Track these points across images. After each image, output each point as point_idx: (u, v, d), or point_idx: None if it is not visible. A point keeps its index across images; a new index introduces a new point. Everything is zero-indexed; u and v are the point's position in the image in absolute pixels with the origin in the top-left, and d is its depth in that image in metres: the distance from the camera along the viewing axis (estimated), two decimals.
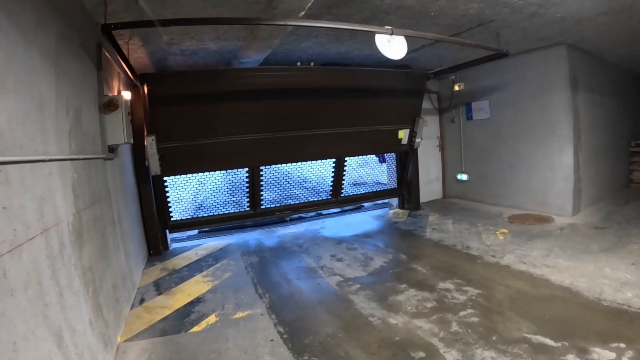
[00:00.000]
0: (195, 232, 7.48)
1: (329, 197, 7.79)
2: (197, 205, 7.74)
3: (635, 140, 9.15)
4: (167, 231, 6.43)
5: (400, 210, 8.29)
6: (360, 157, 8.58)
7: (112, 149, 4.11)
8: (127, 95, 4.72)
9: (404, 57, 4.44)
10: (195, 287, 4.66)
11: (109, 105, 3.88)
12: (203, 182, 7.32)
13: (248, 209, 7.07)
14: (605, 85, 7.78)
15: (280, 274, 5.02)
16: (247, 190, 6.88)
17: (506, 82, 7.37)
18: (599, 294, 3.70)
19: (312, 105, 6.03)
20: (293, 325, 3.57)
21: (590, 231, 5.75)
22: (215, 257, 5.78)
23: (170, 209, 6.43)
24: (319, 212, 8.24)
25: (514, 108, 7.30)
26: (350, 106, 6.35)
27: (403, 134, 7.32)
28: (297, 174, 8.61)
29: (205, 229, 7.44)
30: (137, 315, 3.90)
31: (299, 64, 5.39)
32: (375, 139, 7.19)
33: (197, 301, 4.22)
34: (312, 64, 5.40)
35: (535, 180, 7.11)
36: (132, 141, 4.49)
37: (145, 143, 5.35)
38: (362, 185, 8.86)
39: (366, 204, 8.95)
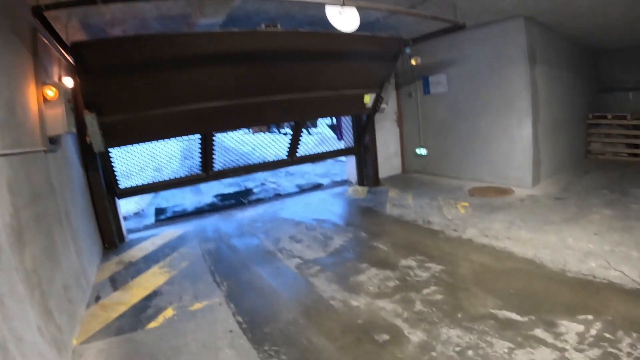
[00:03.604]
0: (152, 220, 7.20)
1: (285, 157, 7.52)
2: (146, 170, 7.39)
3: (592, 113, 9.37)
4: (116, 198, 6.12)
5: (359, 187, 8.18)
6: (317, 136, 8.35)
7: (53, 141, 3.79)
8: (68, 82, 4.36)
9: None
10: (152, 279, 4.45)
11: (47, 93, 3.57)
12: (152, 149, 7.02)
13: (200, 172, 6.74)
14: (562, 59, 7.83)
15: (238, 259, 4.84)
16: (200, 154, 6.52)
17: (464, 55, 7.30)
18: (563, 265, 3.71)
19: (276, 70, 5.65)
20: (252, 314, 3.43)
21: (551, 202, 5.79)
22: (172, 246, 5.54)
23: (117, 178, 6.07)
24: (278, 192, 8.02)
25: (473, 82, 7.26)
26: (318, 70, 5.97)
27: (369, 99, 7.06)
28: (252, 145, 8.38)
29: (162, 217, 7.15)
30: (93, 315, 3.68)
31: (263, 25, 4.99)
32: (339, 103, 6.89)
33: (154, 295, 4.02)
34: (278, 25, 5.03)
35: (495, 153, 7.13)
36: (74, 130, 4.17)
37: (85, 121, 4.95)
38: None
39: (325, 183, 8.87)
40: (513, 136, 6.76)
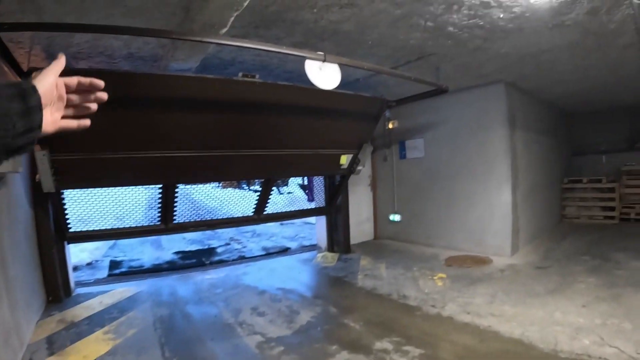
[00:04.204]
0: (105, 274, 6.63)
1: (252, 214, 7.00)
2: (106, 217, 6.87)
3: (566, 176, 9.52)
4: (66, 243, 5.58)
5: (329, 254, 7.75)
6: (287, 196, 8.05)
7: None
8: None
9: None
10: (93, 347, 3.88)
11: None
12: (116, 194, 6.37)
13: (159, 222, 6.18)
14: (539, 124, 7.92)
15: (193, 331, 4.30)
16: (159, 204, 5.99)
17: (442, 120, 7.23)
18: (554, 345, 3.39)
19: (250, 123, 5.31)
20: None
21: (533, 271, 5.55)
22: (121, 308, 4.97)
23: (67, 221, 5.51)
24: (242, 255, 7.55)
25: (451, 146, 7.14)
26: (295, 126, 5.64)
27: (345, 159, 6.82)
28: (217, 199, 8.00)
29: (116, 272, 6.58)
30: None
31: (240, 74, 4.68)
32: (314, 163, 6.57)
33: None
34: (257, 76, 4.73)
35: (472, 220, 6.91)
36: (20, 169, 3.71)
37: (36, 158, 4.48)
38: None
39: (293, 247, 8.45)
40: (492, 202, 6.58)
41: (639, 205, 8.75)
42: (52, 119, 0.92)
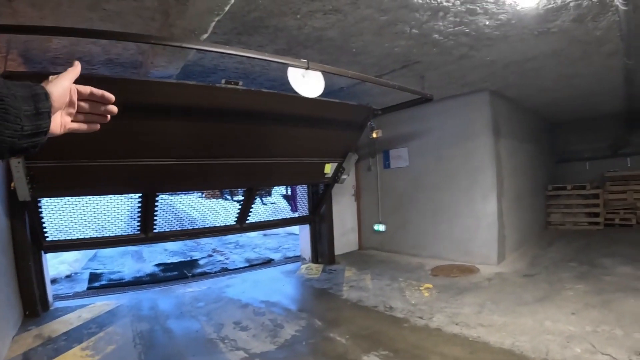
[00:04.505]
0: (85, 287, 6.44)
1: (234, 223, 6.87)
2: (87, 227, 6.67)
3: (551, 183, 9.60)
4: (43, 252, 5.41)
5: (313, 265, 7.64)
6: (271, 206, 7.91)
7: None
8: None
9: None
10: None
11: None
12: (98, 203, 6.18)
13: (139, 232, 6.01)
14: (524, 132, 7.97)
15: (173, 347, 4.14)
16: (139, 213, 5.84)
17: (427, 129, 7.20)
18: (545, 354, 3.32)
19: (232, 131, 5.18)
20: None
21: (520, 279, 5.51)
22: (100, 322, 4.79)
23: (45, 229, 5.33)
24: (225, 266, 7.39)
25: (436, 155, 7.12)
26: (279, 135, 5.56)
27: (330, 168, 6.73)
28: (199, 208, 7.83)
29: (96, 285, 6.38)
30: None
31: (223, 81, 4.56)
32: (298, 171, 6.48)
33: None
34: (240, 83, 4.61)
35: (457, 229, 6.86)
36: None
37: (10, 166, 4.31)
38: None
39: (276, 258, 8.32)
40: (477, 211, 6.55)
41: (623, 211, 8.85)
42: (62, 122, 0.96)
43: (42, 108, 0.84)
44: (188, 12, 2.88)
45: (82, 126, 1.02)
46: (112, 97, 1.03)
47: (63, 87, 0.92)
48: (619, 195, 9.23)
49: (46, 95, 0.85)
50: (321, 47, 3.99)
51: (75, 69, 0.97)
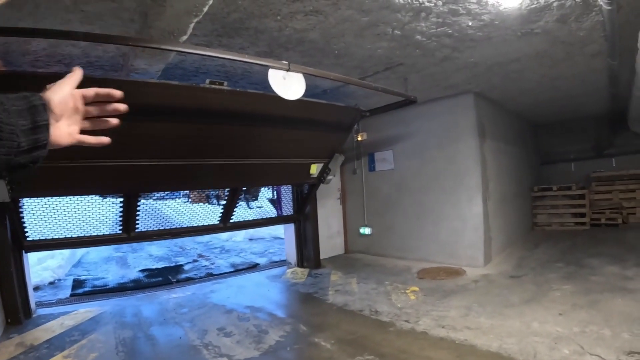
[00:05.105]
0: (68, 293, 6.34)
1: (218, 222, 6.77)
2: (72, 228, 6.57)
3: (536, 185, 9.68)
4: (24, 252, 5.32)
5: (299, 269, 7.58)
6: (257, 210, 7.84)
7: None
8: None
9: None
10: None
11: None
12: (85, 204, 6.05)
13: (121, 232, 5.91)
14: (508, 134, 8.02)
15: (156, 355, 4.08)
16: (121, 213, 5.73)
17: (412, 131, 7.20)
18: (533, 356, 3.30)
19: (217, 132, 5.12)
20: None
21: (507, 281, 5.50)
22: (83, 330, 4.71)
23: (25, 230, 5.24)
24: (210, 272, 7.31)
25: (421, 158, 7.12)
26: (264, 135, 5.52)
27: (315, 169, 6.69)
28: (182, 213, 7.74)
29: (79, 291, 6.26)
30: None
31: (207, 81, 4.49)
32: (283, 172, 6.43)
33: None
34: (225, 83, 4.55)
35: (443, 231, 6.85)
36: None
37: None
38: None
39: (262, 262, 8.26)
40: (463, 213, 6.55)
41: (609, 211, 8.93)
42: (69, 131, 0.91)
43: (40, 121, 0.79)
44: (166, 13, 2.83)
45: (90, 139, 0.96)
46: (118, 93, 0.98)
47: (63, 93, 0.87)
48: (605, 196, 9.33)
49: (44, 106, 0.81)
50: (303, 49, 3.95)
51: (76, 75, 0.92)
